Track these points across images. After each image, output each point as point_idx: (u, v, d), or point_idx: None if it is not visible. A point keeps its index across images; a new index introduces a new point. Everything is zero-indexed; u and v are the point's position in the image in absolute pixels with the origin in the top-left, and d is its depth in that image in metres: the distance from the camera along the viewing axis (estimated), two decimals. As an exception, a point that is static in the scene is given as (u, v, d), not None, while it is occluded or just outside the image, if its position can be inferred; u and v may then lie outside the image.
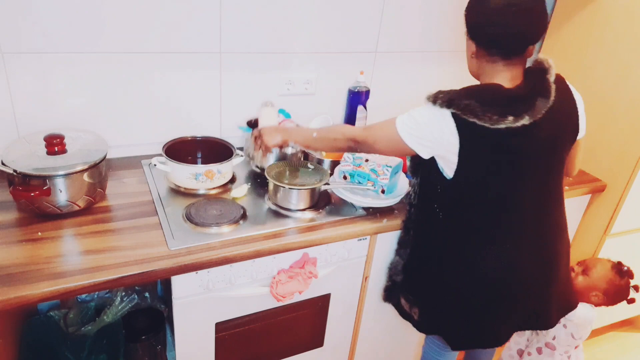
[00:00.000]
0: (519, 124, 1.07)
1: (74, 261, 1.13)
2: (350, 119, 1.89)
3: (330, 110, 1.88)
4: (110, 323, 1.43)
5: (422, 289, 1.37)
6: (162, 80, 1.55)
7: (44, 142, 1.27)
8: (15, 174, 1.19)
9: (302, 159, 1.60)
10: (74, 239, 1.22)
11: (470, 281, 1.25)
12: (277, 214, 1.40)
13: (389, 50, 1.88)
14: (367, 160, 1.46)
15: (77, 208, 1.29)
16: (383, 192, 1.45)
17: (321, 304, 1.51)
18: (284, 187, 1.37)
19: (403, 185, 1.53)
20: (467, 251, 1.24)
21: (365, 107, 1.87)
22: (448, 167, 1.17)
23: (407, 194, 1.43)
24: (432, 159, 1.20)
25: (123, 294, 1.46)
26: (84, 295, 1.51)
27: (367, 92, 1.86)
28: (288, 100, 1.78)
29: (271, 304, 1.41)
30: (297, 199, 1.40)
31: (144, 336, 1.50)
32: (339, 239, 1.37)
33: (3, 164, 1.21)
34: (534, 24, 1.10)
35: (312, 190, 1.41)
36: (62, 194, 1.24)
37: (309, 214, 1.41)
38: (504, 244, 1.22)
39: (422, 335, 1.87)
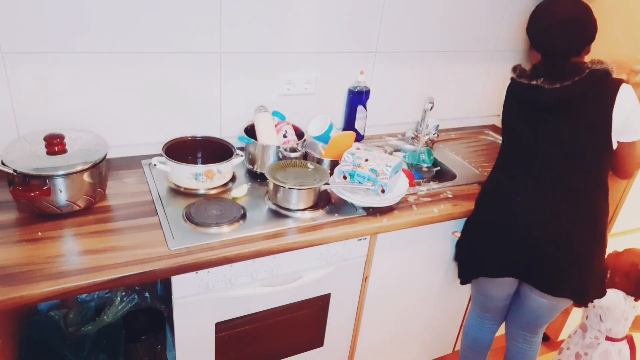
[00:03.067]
0: (534, 82, 1.34)
1: (74, 261, 1.13)
2: (350, 118, 1.89)
3: (330, 110, 1.88)
4: (110, 323, 1.43)
5: (462, 233, 1.60)
6: (162, 80, 1.55)
7: (44, 142, 1.27)
8: (15, 174, 1.19)
9: (302, 159, 1.60)
10: (74, 239, 1.22)
11: (490, 216, 1.48)
12: (277, 214, 1.40)
13: (389, 50, 1.88)
14: (367, 160, 1.46)
15: (77, 208, 1.29)
16: (383, 191, 1.45)
17: (321, 304, 1.51)
18: (284, 187, 1.37)
19: (403, 185, 1.53)
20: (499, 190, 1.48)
21: (365, 107, 1.87)
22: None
23: None
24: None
25: (123, 294, 1.46)
26: (84, 295, 1.52)
27: (367, 92, 1.86)
28: (288, 100, 1.78)
29: (271, 303, 1.41)
30: (297, 199, 1.40)
31: (144, 336, 1.50)
32: (339, 239, 1.37)
33: (3, 164, 1.21)
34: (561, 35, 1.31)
35: (312, 190, 1.41)
36: (62, 194, 1.24)
37: (309, 214, 1.41)
38: (522, 189, 1.42)
39: (423, 335, 1.88)
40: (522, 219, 1.41)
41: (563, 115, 1.33)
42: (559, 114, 1.34)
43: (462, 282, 1.63)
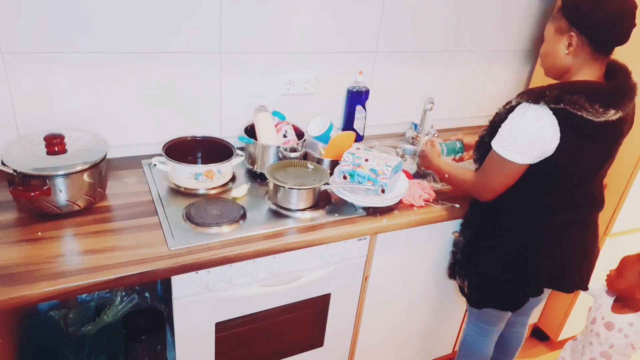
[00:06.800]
0: (615, 117, 1.18)
1: (74, 261, 1.13)
2: (349, 119, 1.89)
3: (329, 110, 1.88)
4: (110, 323, 1.43)
5: (474, 263, 1.48)
6: (163, 80, 1.55)
7: (44, 142, 1.27)
8: (15, 173, 1.19)
9: (302, 159, 1.60)
10: (74, 239, 1.22)
11: (519, 248, 1.37)
12: (277, 214, 1.40)
13: (389, 50, 1.88)
14: (366, 160, 1.46)
15: (77, 208, 1.29)
16: (383, 191, 1.45)
17: (321, 304, 1.51)
18: (284, 187, 1.37)
19: (403, 185, 1.53)
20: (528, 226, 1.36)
21: (364, 107, 1.87)
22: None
23: None
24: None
25: (123, 294, 1.46)
26: (84, 295, 1.52)
27: (367, 92, 1.86)
28: (288, 100, 1.78)
29: (271, 303, 1.41)
30: (297, 199, 1.40)
31: (144, 336, 1.50)
32: (339, 238, 1.37)
33: (3, 164, 1.21)
34: (632, 22, 1.18)
35: (312, 190, 1.41)
36: (62, 194, 1.24)
37: (309, 214, 1.41)
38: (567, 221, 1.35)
39: (422, 335, 1.88)
40: (560, 241, 1.37)
41: (616, 142, 1.29)
42: (616, 141, 1.29)
43: (476, 307, 1.54)
